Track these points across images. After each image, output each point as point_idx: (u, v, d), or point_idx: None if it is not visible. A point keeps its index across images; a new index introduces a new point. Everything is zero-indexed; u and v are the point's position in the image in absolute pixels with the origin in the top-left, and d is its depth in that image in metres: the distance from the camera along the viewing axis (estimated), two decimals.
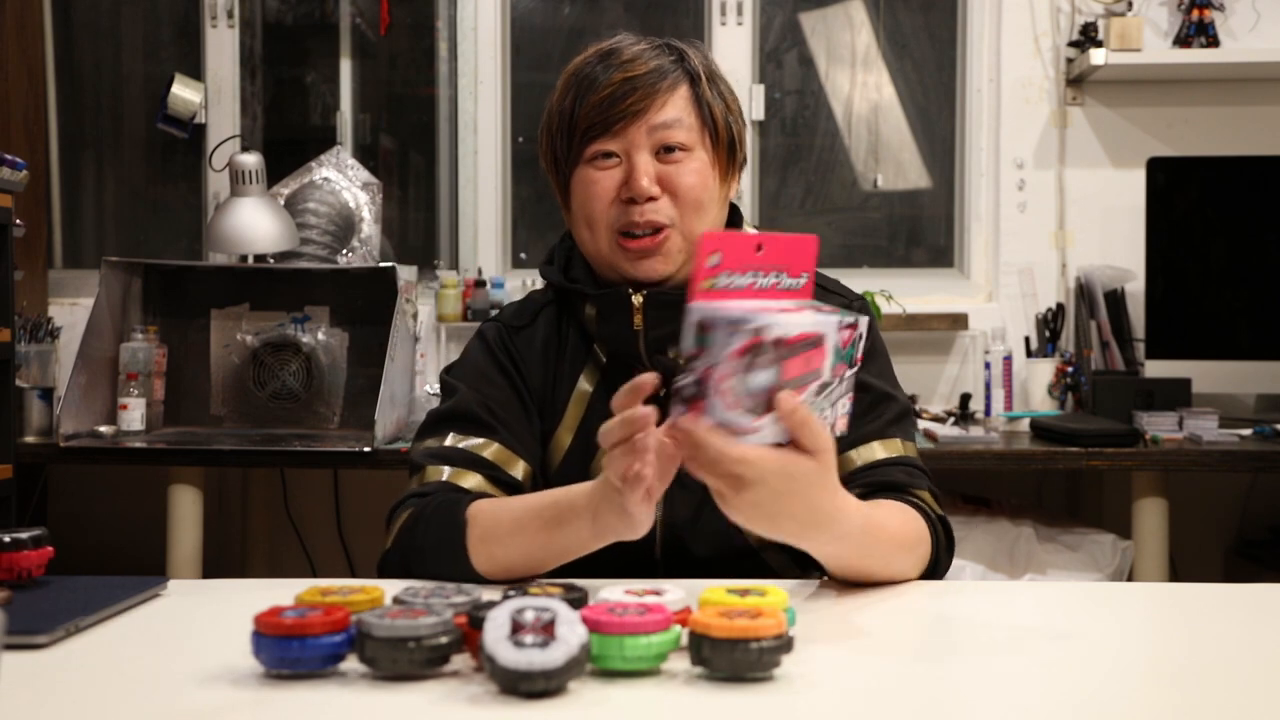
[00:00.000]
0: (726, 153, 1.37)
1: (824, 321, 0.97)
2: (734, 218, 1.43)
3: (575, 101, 1.33)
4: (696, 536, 1.33)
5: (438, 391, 2.83)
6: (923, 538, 1.24)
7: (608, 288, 1.37)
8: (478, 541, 1.20)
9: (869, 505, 1.18)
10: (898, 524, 1.21)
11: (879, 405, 1.35)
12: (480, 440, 1.33)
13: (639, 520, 1.07)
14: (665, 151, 1.32)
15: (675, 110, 1.33)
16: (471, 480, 1.31)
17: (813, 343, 0.97)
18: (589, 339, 1.39)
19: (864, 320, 1.00)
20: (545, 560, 1.17)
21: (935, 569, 1.27)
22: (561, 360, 1.40)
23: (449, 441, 1.34)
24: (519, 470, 1.33)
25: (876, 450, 1.32)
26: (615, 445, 1.03)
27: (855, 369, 1.04)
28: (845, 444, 1.30)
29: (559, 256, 1.44)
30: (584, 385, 1.38)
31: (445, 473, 1.31)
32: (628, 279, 1.35)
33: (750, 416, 0.96)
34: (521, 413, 1.37)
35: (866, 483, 1.30)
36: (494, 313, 3.18)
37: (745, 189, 3.29)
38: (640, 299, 1.33)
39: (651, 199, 1.31)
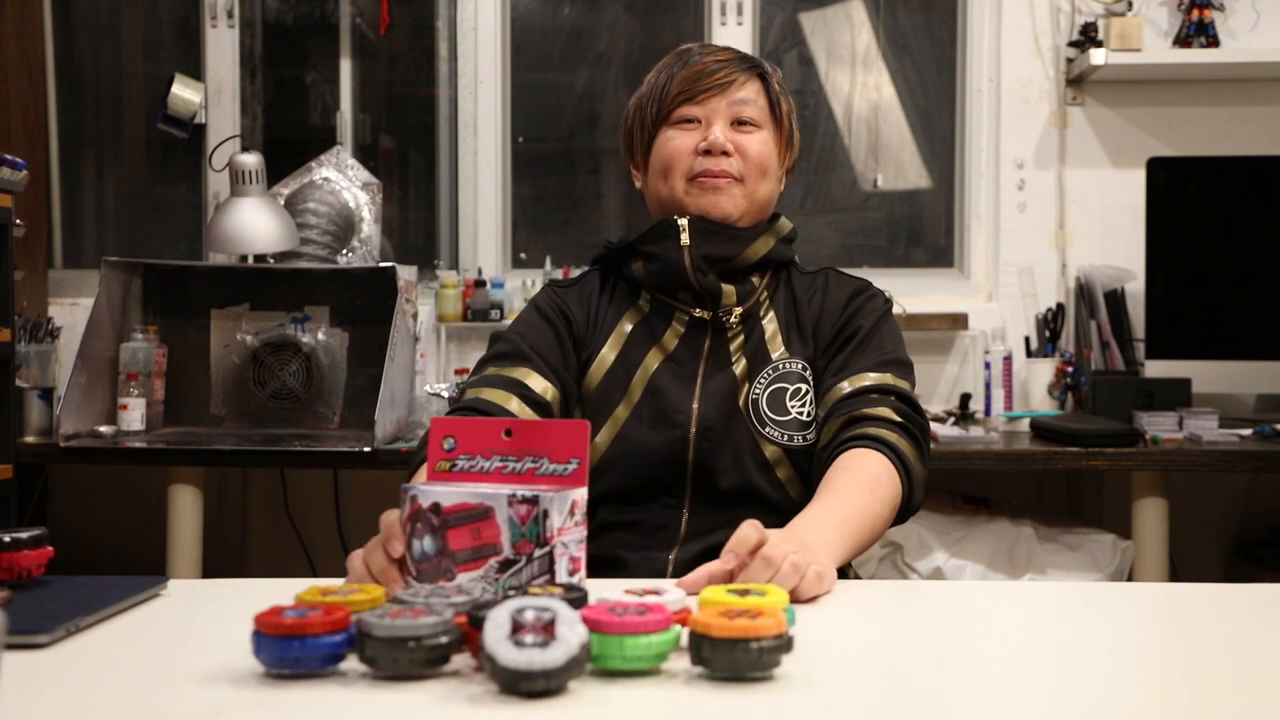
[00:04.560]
0: (786, 140, 1.63)
1: (488, 494, 0.99)
2: (774, 219, 1.64)
3: (669, 76, 1.59)
4: (724, 446, 1.49)
5: (438, 391, 2.83)
6: (877, 477, 1.39)
7: None
8: None
9: (826, 501, 1.34)
10: (854, 488, 1.36)
11: (878, 352, 1.53)
12: (519, 369, 1.53)
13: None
14: (739, 124, 1.58)
15: (750, 92, 1.59)
16: (512, 401, 1.49)
17: (478, 514, 0.99)
18: (636, 289, 1.60)
19: (547, 498, 0.98)
20: None
21: (908, 475, 1.42)
22: (606, 302, 1.61)
23: (489, 371, 1.54)
24: (549, 394, 1.52)
25: (867, 378, 1.50)
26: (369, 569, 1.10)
27: (549, 549, 1.00)
28: (837, 377, 1.51)
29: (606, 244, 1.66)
30: (625, 325, 1.58)
31: (484, 392, 1.50)
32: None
33: (427, 585, 0.98)
34: (557, 349, 1.57)
35: (842, 415, 1.46)
36: (494, 313, 3.21)
37: None
38: (686, 221, 1.54)
39: (725, 153, 1.55)
